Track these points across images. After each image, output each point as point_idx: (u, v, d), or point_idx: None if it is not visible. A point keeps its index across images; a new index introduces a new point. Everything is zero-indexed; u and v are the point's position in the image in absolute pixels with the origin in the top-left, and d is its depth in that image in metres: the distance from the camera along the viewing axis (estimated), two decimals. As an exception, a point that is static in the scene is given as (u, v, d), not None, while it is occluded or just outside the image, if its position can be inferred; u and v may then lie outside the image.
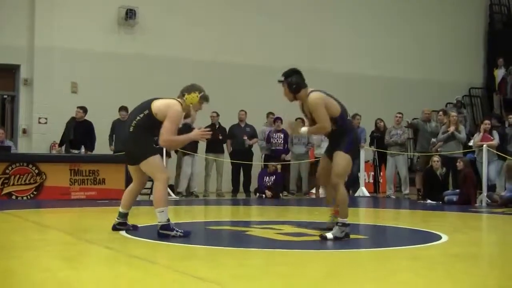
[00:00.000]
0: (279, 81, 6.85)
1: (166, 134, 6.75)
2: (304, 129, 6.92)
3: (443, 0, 20.13)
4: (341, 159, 6.61)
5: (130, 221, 7.35)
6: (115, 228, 7.27)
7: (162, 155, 7.33)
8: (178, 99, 6.98)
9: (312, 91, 6.76)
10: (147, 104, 6.91)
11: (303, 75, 6.84)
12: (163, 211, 6.78)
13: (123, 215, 7.28)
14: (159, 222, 6.82)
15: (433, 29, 19.97)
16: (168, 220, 6.82)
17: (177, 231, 6.79)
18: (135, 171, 7.10)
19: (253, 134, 15.43)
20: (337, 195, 6.65)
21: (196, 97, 6.99)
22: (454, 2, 20.33)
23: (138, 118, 6.85)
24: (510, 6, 21.15)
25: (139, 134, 6.84)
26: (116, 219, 7.28)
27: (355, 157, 6.87)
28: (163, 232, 6.78)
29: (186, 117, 7.27)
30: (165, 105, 6.85)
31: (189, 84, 7.12)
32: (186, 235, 6.82)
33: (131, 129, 6.85)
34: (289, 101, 6.99)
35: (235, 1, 17.63)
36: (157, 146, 7.40)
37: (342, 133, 6.69)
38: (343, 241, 6.47)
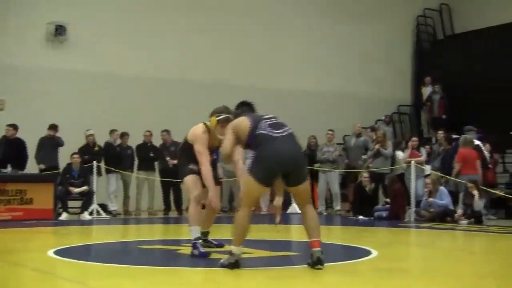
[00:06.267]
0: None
1: (200, 159, 6.81)
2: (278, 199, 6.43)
3: (374, 19, 20.48)
4: (244, 181, 6.07)
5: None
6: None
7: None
8: (206, 122, 6.98)
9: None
10: (188, 131, 7.11)
11: (252, 106, 6.46)
12: (191, 230, 6.92)
13: (204, 234, 7.30)
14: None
15: (365, 47, 20.31)
16: (196, 238, 6.88)
17: (198, 250, 6.79)
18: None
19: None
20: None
21: (214, 120, 6.86)
22: (384, 22, 20.74)
23: (181, 143, 7.27)
24: (435, 26, 21.77)
25: (180, 158, 7.28)
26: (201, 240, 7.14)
27: (262, 174, 5.81)
28: (191, 250, 6.91)
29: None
30: (192, 129, 7.03)
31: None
32: (203, 255, 6.74)
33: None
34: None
35: (166, 17, 17.48)
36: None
37: (254, 151, 6.02)
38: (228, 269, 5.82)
